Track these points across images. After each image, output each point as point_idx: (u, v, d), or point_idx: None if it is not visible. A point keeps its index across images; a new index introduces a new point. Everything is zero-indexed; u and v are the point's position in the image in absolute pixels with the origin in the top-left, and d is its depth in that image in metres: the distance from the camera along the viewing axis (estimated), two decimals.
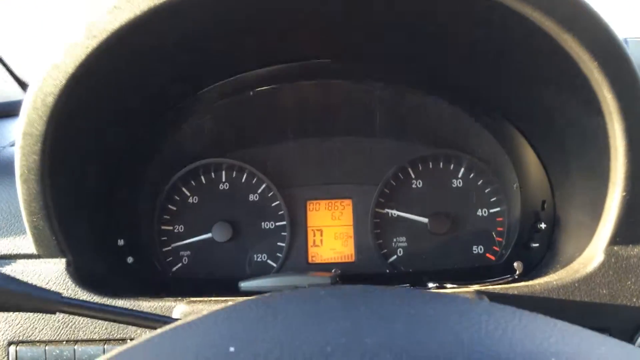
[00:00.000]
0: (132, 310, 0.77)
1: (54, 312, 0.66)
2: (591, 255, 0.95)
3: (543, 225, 1.15)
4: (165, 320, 0.73)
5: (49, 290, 0.67)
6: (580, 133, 0.94)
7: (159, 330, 0.44)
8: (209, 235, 1.23)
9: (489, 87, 1.12)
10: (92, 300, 0.83)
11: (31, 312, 0.67)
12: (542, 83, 0.94)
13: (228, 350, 0.38)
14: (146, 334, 0.45)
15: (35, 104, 0.81)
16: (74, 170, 0.96)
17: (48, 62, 0.79)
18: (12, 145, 1.16)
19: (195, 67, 1.08)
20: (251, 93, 1.23)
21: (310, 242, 1.26)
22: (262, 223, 1.26)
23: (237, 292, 1.05)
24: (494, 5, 0.76)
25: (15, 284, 0.64)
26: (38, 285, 0.71)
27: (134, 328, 1.01)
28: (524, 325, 0.41)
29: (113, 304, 0.89)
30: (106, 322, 1.00)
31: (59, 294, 0.68)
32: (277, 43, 1.09)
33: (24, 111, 0.83)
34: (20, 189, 0.88)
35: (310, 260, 1.26)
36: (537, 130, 1.11)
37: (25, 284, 0.66)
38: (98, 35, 0.75)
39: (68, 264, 0.95)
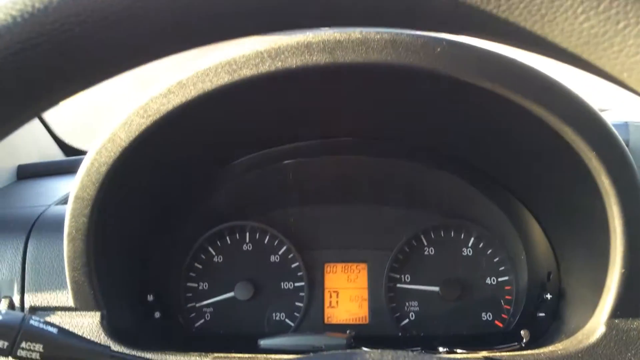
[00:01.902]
0: None
1: None
2: (593, 327, 1.00)
3: (549, 296, 1.20)
4: None
5: (100, 344, 0.75)
6: (582, 212, 1.02)
7: None
8: (231, 294, 1.30)
9: (497, 166, 1.21)
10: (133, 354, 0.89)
11: None
12: (547, 164, 1.03)
13: None
14: None
15: (90, 172, 0.91)
16: (116, 231, 1.05)
17: (104, 135, 0.89)
18: (57, 203, 1.26)
19: (229, 143, 1.19)
20: (277, 166, 1.33)
21: (326, 303, 1.33)
22: (282, 283, 1.33)
23: (256, 349, 1.11)
24: (503, 99, 0.85)
25: (73, 337, 0.72)
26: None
27: None
28: None
29: (144, 356, 0.96)
30: None
31: (108, 347, 0.75)
32: (305, 124, 1.21)
33: (79, 177, 0.93)
34: (67, 247, 0.98)
35: (326, 321, 1.32)
36: (542, 206, 1.19)
37: (81, 337, 0.74)
38: (152, 115, 0.86)
39: (102, 318, 1.03)
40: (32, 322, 0.69)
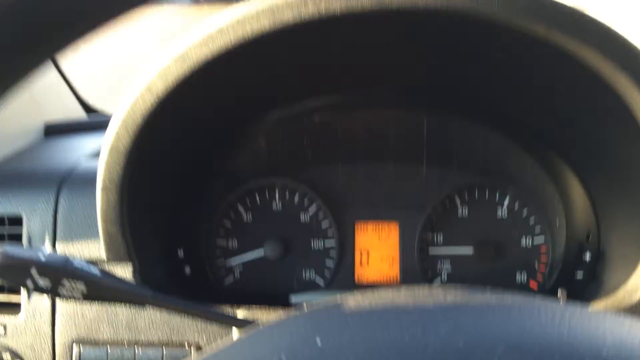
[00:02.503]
0: (214, 310, 0.83)
1: (144, 305, 0.73)
2: (636, 285, 0.98)
3: (588, 257, 1.18)
4: (245, 323, 0.78)
5: (141, 287, 0.75)
6: (628, 166, 0.98)
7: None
8: (261, 252, 1.29)
9: (538, 118, 1.16)
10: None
11: (126, 303, 0.74)
12: (591, 115, 0.98)
13: (315, 343, 0.44)
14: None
15: (126, 122, 0.89)
16: (149, 184, 1.04)
17: (140, 84, 0.87)
18: (87, 158, 1.25)
19: (262, 95, 1.16)
20: (306, 121, 1.30)
21: (357, 263, 1.31)
22: (312, 242, 1.31)
23: (287, 305, 1.11)
24: (551, 44, 0.81)
25: (115, 280, 0.71)
26: None
27: (191, 332, 1.08)
28: (578, 315, 0.47)
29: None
30: (165, 326, 1.07)
31: (149, 290, 0.75)
32: (335, 76, 1.17)
33: (114, 127, 0.91)
34: (100, 198, 0.97)
35: (357, 280, 1.31)
36: (585, 162, 1.15)
37: (122, 280, 0.73)
38: (191, 63, 0.83)
39: (134, 270, 1.03)
40: (75, 263, 0.68)
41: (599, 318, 0.47)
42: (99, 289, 0.69)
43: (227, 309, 1.02)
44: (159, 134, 0.95)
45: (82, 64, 1.97)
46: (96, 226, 1.01)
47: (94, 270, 0.70)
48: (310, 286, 1.30)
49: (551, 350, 0.40)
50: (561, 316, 0.46)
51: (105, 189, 0.96)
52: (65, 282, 0.67)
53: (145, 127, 0.89)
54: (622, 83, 0.82)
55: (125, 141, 0.90)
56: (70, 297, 0.68)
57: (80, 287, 0.67)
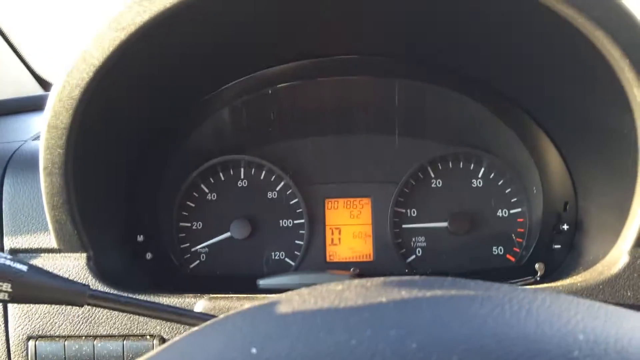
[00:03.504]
0: (159, 304, 0.77)
1: (81, 305, 0.66)
2: (615, 257, 0.94)
3: (565, 227, 1.13)
4: (194, 315, 0.72)
5: (77, 283, 0.67)
6: (607, 132, 0.93)
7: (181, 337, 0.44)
8: (227, 233, 1.23)
9: (514, 84, 1.10)
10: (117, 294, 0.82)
11: (59, 304, 0.67)
12: (570, 81, 0.93)
13: (250, 352, 0.38)
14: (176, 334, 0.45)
15: (62, 96, 0.81)
16: (96, 164, 0.96)
17: (75, 54, 0.79)
18: (34, 139, 1.16)
19: (217, 64, 1.08)
20: (270, 91, 1.22)
21: (328, 241, 1.26)
22: (281, 221, 1.25)
23: (255, 290, 1.05)
24: (528, 2, 0.75)
25: (46, 276, 0.64)
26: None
27: (153, 324, 1.01)
28: (548, 306, 0.40)
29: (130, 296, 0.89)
30: (125, 318, 1.00)
31: (87, 286, 0.68)
32: (298, 39, 1.09)
33: (50, 103, 0.83)
34: (43, 182, 0.89)
35: (328, 259, 1.25)
36: (562, 130, 1.10)
37: (55, 276, 0.66)
38: (126, 28, 0.75)
39: (88, 259, 0.96)
40: None
41: (569, 309, 0.41)
42: (27, 288, 0.61)
43: (190, 299, 0.95)
44: (102, 109, 0.87)
45: (41, 36, 1.85)
46: (45, 214, 0.93)
47: (20, 266, 0.62)
48: (280, 267, 1.24)
49: (516, 352, 0.35)
50: (528, 308, 0.40)
51: (47, 171, 0.88)
52: None
53: (85, 102, 0.81)
54: (600, 39, 0.76)
55: (64, 118, 0.82)
56: None
57: (6, 287, 0.60)
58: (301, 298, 0.46)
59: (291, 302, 0.45)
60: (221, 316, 0.47)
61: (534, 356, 0.34)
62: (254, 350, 0.38)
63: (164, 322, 1.00)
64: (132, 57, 0.80)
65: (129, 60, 0.81)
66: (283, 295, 0.48)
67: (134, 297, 0.74)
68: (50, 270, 0.67)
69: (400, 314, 0.40)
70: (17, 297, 0.61)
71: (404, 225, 1.24)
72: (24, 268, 0.62)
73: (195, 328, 0.45)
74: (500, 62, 1.05)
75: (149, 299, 0.90)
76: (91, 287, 0.92)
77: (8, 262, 0.61)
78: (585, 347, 0.35)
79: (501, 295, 0.42)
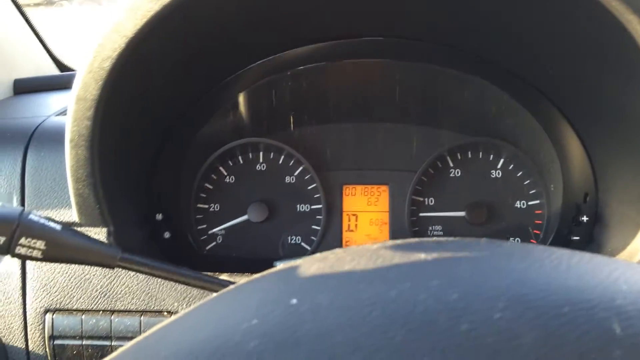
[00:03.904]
0: (188, 270, 0.77)
1: (112, 267, 0.66)
2: (635, 248, 0.93)
3: (585, 218, 1.13)
4: (222, 282, 0.72)
5: (109, 245, 0.68)
6: (633, 123, 0.93)
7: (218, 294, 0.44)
8: (245, 217, 1.23)
9: (538, 70, 1.10)
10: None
11: (91, 265, 0.67)
12: (598, 66, 0.92)
13: (290, 303, 0.38)
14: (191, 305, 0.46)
15: (92, 67, 0.81)
16: (122, 139, 0.96)
17: (107, 25, 0.79)
18: (57, 114, 1.17)
19: (240, 44, 1.07)
20: (288, 73, 1.22)
21: (345, 227, 1.26)
22: (298, 205, 1.25)
23: None
24: None
25: (80, 237, 0.64)
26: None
27: (170, 301, 1.02)
28: (587, 261, 0.41)
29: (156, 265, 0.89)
30: (143, 293, 1.01)
31: (118, 249, 0.68)
32: (320, 19, 1.09)
33: (80, 75, 0.83)
34: (69, 154, 0.89)
35: (344, 245, 1.25)
36: (586, 118, 1.09)
37: (88, 237, 0.66)
38: (161, 0, 0.75)
39: (109, 234, 0.96)
40: (31, 216, 0.61)
41: (609, 264, 0.41)
42: (60, 247, 0.61)
43: (207, 276, 0.96)
44: (131, 82, 0.87)
45: (61, 21, 1.87)
46: (67, 187, 0.93)
47: (55, 226, 0.62)
48: (296, 251, 1.25)
49: (559, 301, 0.35)
50: (568, 262, 0.40)
51: (74, 143, 0.88)
52: (23, 239, 0.59)
53: (115, 74, 0.81)
54: (633, 23, 0.75)
55: (93, 90, 0.82)
56: (28, 257, 0.61)
57: (40, 245, 0.60)
58: (336, 256, 0.46)
59: (327, 260, 0.45)
60: (257, 275, 0.47)
61: (577, 304, 0.34)
62: (294, 301, 0.38)
63: (182, 298, 1.00)
64: (164, 31, 0.81)
65: (161, 34, 0.81)
66: (317, 255, 0.48)
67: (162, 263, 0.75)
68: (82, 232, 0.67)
69: (439, 267, 0.41)
70: (50, 256, 0.62)
71: (421, 214, 1.24)
72: (58, 227, 0.63)
73: (234, 284, 0.45)
74: (524, 47, 1.04)
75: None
76: None
77: (43, 221, 0.62)
78: (629, 296, 0.35)
79: (539, 251, 0.43)
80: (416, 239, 0.49)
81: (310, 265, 0.45)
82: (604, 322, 0.33)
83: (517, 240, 1.22)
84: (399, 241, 0.48)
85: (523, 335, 0.33)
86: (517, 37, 1.02)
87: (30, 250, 0.60)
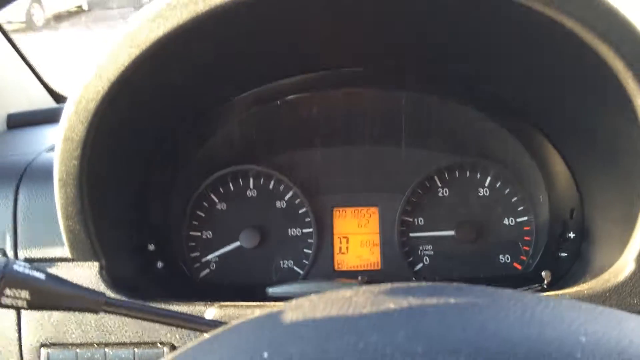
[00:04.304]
0: (172, 311, 0.78)
1: (97, 312, 0.68)
2: (622, 265, 0.94)
3: (572, 235, 1.14)
4: (206, 322, 0.74)
5: (94, 291, 0.69)
6: (612, 142, 0.94)
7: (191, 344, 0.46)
8: (237, 243, 1.24)
9: (518, 94, 1.12)
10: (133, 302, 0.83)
11: (77, 311, 0.69)
12: (575, 90, 0.94)
13: (262, 356, 0.39)
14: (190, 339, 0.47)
15: (77, 110, 0.83)
16: (110, 175, 0.98)
17: (91, 69, 0.81)
18: (49, 150, 1.19)
19: (228, 77, 1.10)
20: (278, 102, 1.24)
21: (336, 250, 1.27)
22: (289, 230, 1.27)
23: (265, 298, 1.06)
24: (530, 13, 0.77)
25: (63, 284, 0.65)
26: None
27: (164, 332, 1.02)
28: (552, 308, 0.42)
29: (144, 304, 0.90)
30: (137, 326, 1.02)
31: (103, 294, 0.69)
32: (307, 53, 1.11)
33: (65, 116, 0.85)
34: (58, 193, 0.90)
35: (336, 268, 1.27)
36: (567, 139, 1.11)
37: (72, 284, 0.68)
38: (140, 45, 0.77)
39: (101, 268, 0.97)
40: (15, 266, 0.62)
41: (572, 312, 0.42)
42: (44, 295, 0.63)
43: (200, 307, 0.97)
44: (116, 122, 0.89)
45: (55, 51, 1.89)
46: (58, 224, 0.95)
47: (38, 275, 0.64)
48: (289, 275, 1.26)
49: (519, 354, 0.36)
50: (532, 311, 0.41)
51: (62, 182, 0.90)
52: (7, 290, 0.61)
53: (99, 115, 0.83)
54: (604, 51, 0.77)
55: (79, 130, 0.84)
56: (13, 307, 0.62)
57: (24, 294, 0.62)
58: (311, 304, 0.47)
59: (302, 308, 0.46)
60: (232, 322, 0.48)
61: (537, 358, 0.35)
62: (265, 355, 0.39)
63: (175, 330, 1.01)
64: (146, 72, 0.83)
65: (143, 75, 0.83)
66: (293, 302, 0.49)
67: (148, 304, 0.76)
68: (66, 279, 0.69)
69: (406, 319, 0.42)
70: (35, 305, 0.63)
71: (411, 234, 1.26)
72: (42, 276, 0.64)
73: (207, 335, 0.47)
74: (505, 74, 1.07)
75: (160, 307, 0.92)
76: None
77: (27, 271, 0.63)
78: (587, 349, 0.36)
79: (504, 299, 0.44)
80: (388, 285, 0.50)
81: (285, 314, 0.46)
82: None
83: (508, 257, 1.23)
84: (372, 287, 0.50)
85: None
86: (501, 68, 1.04)
87: (15, 300, 0.61)
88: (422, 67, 1.17)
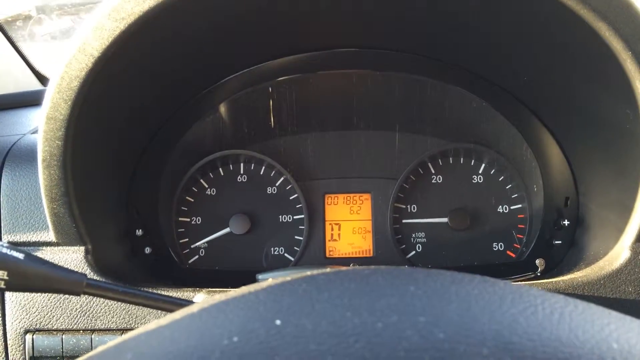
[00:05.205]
0: (157, 294, 0.76)
1: (79, 294, 0.65)
2: (617, 252, 0.93)
3: (566, 222, 1.13)
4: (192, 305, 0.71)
5: (75, 272, 0.67)
6: (609, 127, 0.93)
7: (200, 304, 0.43)
8: (227, 230, 1.22)
9: (515, 78, 1.10)
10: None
11: (57, 293, 0.66)
12: (572, 73, 0.92)
13: (274, 323, 0.37)
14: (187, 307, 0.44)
15: (60, 88, 0.80)
16: (96, 157, 0.95)
17: (74, 44, 0.78)
18: (33, 132, 1.16)
19: (217, 56, 1.07)
20: (269, 84, 1.21)
21: (328, 236, 1.25)
22: (280, 216, 1.25)
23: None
24: None
25: (43, 264, 0.63)
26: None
27: (150, 318, 1.00)
28: (581, 312, 0.39)
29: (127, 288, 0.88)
30: (124, 312, 1.00)
31: (84, 275, 0.67)
32: (299, 31, 1.08)
33: (49, 95, 0.82)
34: (42, 174, 0.88)
35: (327, 255, 1.25)
36: (563, 125, 1.09)
37: (53, 264, 0.65)
38: (126, 18, 0.74)
39: (87, 252, 0.95)
40: None
41: (602, 317, 0.39)
42: (23, 276, 0.60)
43: (188, 293, 0.95)
44: (101, 101, 0.86)
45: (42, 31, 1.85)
46: (43, 207, 0.92)
47: (17, 254, 0.61)
48: (280, 262, 1.24)
49: (548, 354, 0.33)
50: (561, 311, 0.39)
51: (46, 163, 0.87)
52: None
53: (84, 93, 0.80)
54: (603, 31, 0.75)
55: (63, 109, 0.81)
56: None
57: (2, 274, 0.59)
58: (327, 277, 0.45)
59: (316, 281, 0.44)
60: (243, 288, 0.46)
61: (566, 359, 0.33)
62: (278, 322, 0.37)
63: (162, 315, 0.99)
64: (132, 48, 0.80)
65: (129, 51, 0.80)
66: (307, 273, 0.47)
67: (131, 287, 0.74)
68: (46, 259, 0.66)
69: (429, 303, 0.39)
70: (14, 285, 0.61)
71: (404, 221, 1.24)
72: (21, 256, 0.62)
73: (219, 296, 0.44)
74: (501, 56, 1.05)
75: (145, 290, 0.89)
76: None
77: (4, 250, 0.61)
78: (619, 356, 0.34)
79: (533, 296, 0.41)
80: (409, 268, 0.47)
81: (299, 285, 0.44)
82: None
83: (501, 245, 1.22)
84: (392, 267, 0.47)
85: None
86: (496, 49, 1.02)
87: None
88: (417, 47, 1.14)
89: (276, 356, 0.33)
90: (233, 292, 0.44)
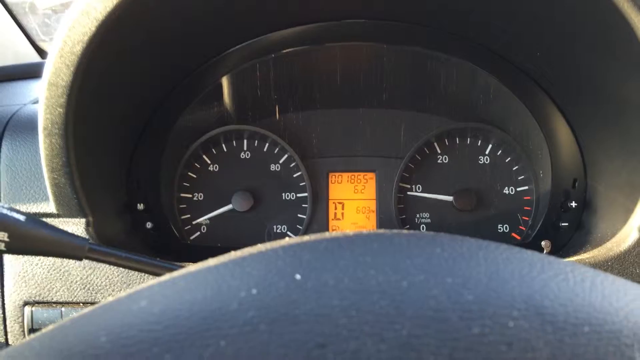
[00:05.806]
0: (160, 261, 0.74)
1: (80, 259, 0.64)
2: (625, 233, 0.92)
3: (573, 204, 1.11)
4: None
5: (77, 236, 0.65)
6: (622, 107, 0.91)
7: (216, 260, 0.42)
8: (229, 206, 1.21)
9: (526, 53, 1.07)
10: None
11: (58, 257, 0.65)
12: (586, 48, 0.90)
13: (294, 277, 0.36)
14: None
15: (63, 52, 0.78)
16: (98, 127, 0.93)
17: (77, 8, 0.76)
18: (34, 102, 1.14)
19: (220, 26, 1.04)
20: (273, 56, 1.19)
21: (331, 215, 1.24)
22: (283, 194, 1.23)
23: None
24: None
25: (46, 228, 0.61)
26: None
27: None
28: (611, 282, 0.38)
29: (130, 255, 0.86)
30: (125, 284, 0.99)
31: (87, 239, 0.65)
32: (303, 2, 1.06)
33: (50, 60, 0.80)
34: (43, 143, 0.86)
35: None
36: (574, 104, 1.07)
37: (55, 227, 0.64)
38: None
39: (88, 224, 0.93)
40: None
41: (633, 288, 0.38)
42: (24, 238, 0.59)
43: (181, 265, 0.93)
44: (104, 67, 0.84)
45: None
46: (44, 177, 0.90)
47: (19, 217, 0.60)
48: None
49: (580, 319, 0.32)
50: (592, 280, 0.37)
51: (47, 132, 0.84)
52: None
53: (87, 58, 0.78)
54: (622, 5, 0.73)
55: (65, 75, 0.79)
56: None
57: (2, 236, 0.57)
58: (348, 238, 0.44)
59: (338, 240, 0.43)
60: (259, 245, 0.45)
61: (599, 325, 0.32)
62: (298, 277, 0.36)
63: None
64: (137, 13, 0.78)
65: (134, 16, 0.78)
66: (327, 234, 0.46)
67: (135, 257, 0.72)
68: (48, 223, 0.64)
69: (456, 265, 0.38)
70: (14, 248, 0.59)
71: (408, 200, 1.22)
72: (22, 218, 0.60)
73: (238, 252, 0.43)
74: (512, 29, 1.02)
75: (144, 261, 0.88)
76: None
77: (5, 211, 0.59)
78: None
79: (563, 264, 0.40)
80: (434, 233, 0.46)
81: (319, 243, 0.43)
82: (626, 350, 0.31)
83: (506, 227, 1.21)
84: (415, 231, 0.46)
85: (538, 349, 0.30)
86: (507, 22, 0.99)
87: None
88: (426, 20, 1.11)
89: (297, 309, 0.32)
90: (249, 249, 0.42)
